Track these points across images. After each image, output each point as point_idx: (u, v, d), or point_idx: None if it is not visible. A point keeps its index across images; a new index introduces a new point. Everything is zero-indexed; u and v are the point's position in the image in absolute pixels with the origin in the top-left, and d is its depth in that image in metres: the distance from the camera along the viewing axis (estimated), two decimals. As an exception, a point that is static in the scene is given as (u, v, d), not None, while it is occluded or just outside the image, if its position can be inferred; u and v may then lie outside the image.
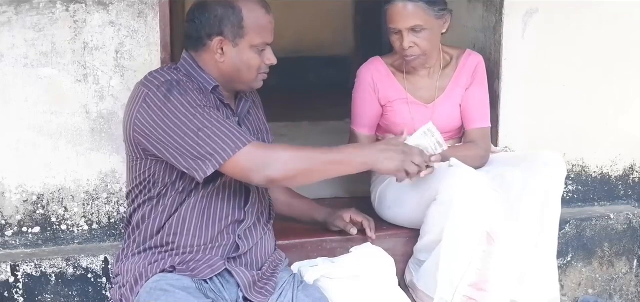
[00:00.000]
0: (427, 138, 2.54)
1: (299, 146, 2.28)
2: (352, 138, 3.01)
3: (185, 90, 2.21)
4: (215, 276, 2.27)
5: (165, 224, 2.28)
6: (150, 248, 2.30)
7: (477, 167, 2.79)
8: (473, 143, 2.92)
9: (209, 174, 2.17)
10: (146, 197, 2.30)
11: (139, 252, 2.31)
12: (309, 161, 2.23)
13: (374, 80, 2.93)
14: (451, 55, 2.98)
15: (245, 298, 2.30)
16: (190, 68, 2.33)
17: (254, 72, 2.33)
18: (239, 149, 2.16)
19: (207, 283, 2.26)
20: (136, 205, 2.33)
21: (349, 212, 2.78)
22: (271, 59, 2.35)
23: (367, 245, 2.67)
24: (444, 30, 2.85)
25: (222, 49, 2.29)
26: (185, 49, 2.38)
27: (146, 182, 2.28)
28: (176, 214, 2.27)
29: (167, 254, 2.28)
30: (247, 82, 2.35)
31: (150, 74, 2.30)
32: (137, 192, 2.32)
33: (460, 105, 2.95)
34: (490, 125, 2.99)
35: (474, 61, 2.97)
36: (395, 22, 2.77)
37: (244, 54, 2.30)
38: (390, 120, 2.95)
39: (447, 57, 2.97)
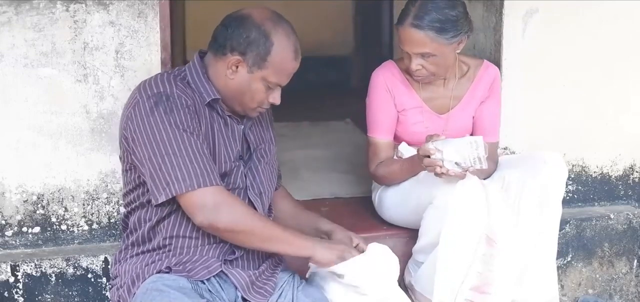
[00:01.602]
0: (470, 148, 2.48)
1: (253, 211, 2.28)
2: (372, 148, 2.91)
3: (171, 107, 2.19)
4: (213, 276, 2.27)
5: (160, 227, 2.27)
6: (148, 250, 2.30)
7: (483, 178, 2.79)
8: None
9: (159, 202, 2.18)
10: (140, 201, 2.29)
11: (137, 254, 2.31)
12: (255, 226, 2.22)
13: (388, 85, 2.87)
14: (468, 65, 2.91)
15: (244, 298, 2.30)
16: (196, 75, 2.30)
17: (255, 102, 2.30)
18: (195, 188, 2.15)
19: (204, 283, 2.25)
20: (131, 208, 2.32)
21: (358, 238, 2.49)
22: (276, 99, 2.33)
23: (374, 244, 2.60)
24: (458, 50, 2.77)
25: (236, 67, 2.26)
26: (199, 51, 2.37)
27: (139, 187, 2.28)
28: (172, 217, 2.26)
29: (164, 255, 2.28)
30: (244, 106, 2.32)
31: (149, 81, 2.27)
32: (132, 196, 2.31)
33: (472, 117, 2.92)
34: (499, 139, 2.98)
35: (491, 74, 2.91)
36: (404, 46, 2.72)
37: (254, 84, 2.27)
38: (403, 129, 2.91)
39: (464, 67, 2.90)
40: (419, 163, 2.61)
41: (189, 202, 2.17)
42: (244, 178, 2.35)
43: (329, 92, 6.27)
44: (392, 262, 2.44)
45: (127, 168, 2.30)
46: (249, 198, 2.35)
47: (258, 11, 2.28)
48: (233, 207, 2.19)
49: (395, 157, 2.92)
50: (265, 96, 2.30)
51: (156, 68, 2.76)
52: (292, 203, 2.67)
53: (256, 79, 2.26)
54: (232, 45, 2.25)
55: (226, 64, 2.26)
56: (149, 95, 2.21)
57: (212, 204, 2.16)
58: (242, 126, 2.38)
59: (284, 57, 2.26)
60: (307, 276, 2.49)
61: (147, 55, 2.77)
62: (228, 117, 2.34)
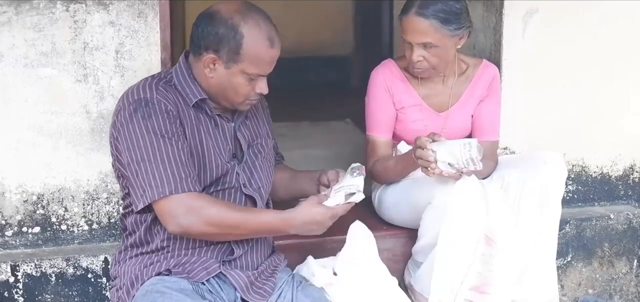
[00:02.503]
0: (463, 150, 2.47)
1: (229, 206, 2.26)
2: (370, 146, 2.92)
3: (149, 113, 2.18)
4: (212, 277, 2.27)
5: (157, 228, 2.27)
6: (147, 252, 2.30)
7: (483, 178, 2.79)
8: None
9: (139, 209, 2.18)
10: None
11: (136, 255, 2.31)
12: (230, 228, 2.23)
13: (388, 83, 2.87)
14: (467, 64, 2.91)
15: (243, 299, 2.30)
16: (181, 76, 2.29)
17: (240, 96, 2.28)
18: (167, 195, 2.14)
19: (204, 284, 2.25)
20: (127, 211, 2.33)
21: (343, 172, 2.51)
22: (263, 89, 2.29)
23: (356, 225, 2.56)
24: (459, 46, 2.78)
25: (213, 64, 2.24)
26: (185, 51, 2.36)
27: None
28: None
29: (163, 256, 2.28)
30: (231, 101, 2.30)
31: (133, 87, 2.26)
32: (127, 200, 2.31)
33: (472, 116, 2.92)
34: (498, 138, 2.98)
35: (490, 73, 2.92)
36: (407, 35, 2.72)
37: (234, 78, 2.24)
38: (403, 127, 2.91)
39: (463, 66, 2.90)
40: (413, 155, 2.61)
41: (160, 210, 2.18)
42: (239, 176, 2.34)
43: (329, 92, 6.26)
44: (369, 236, 2.51)
45: (119, 174, 2.30)
46: (245, 195, 2.35)
47: (226, 5, 2.25)
48: (203, 211, 2.18)
49: (394, 156, 2.93)
50: (249, 88, 2.27)
51: (156, 68, 2.76)
52: (288, 171, 2.68)
53: (235, 74, 2.24)
54: (206, 44, 2.23)
55: (203, 63, 2.25)
56: (130, 102, 2.21)
57: (183, 211, 2.16)
58: (233, 124, 2.36)
59: (258, 47, 2.22)
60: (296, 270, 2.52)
61: (147, 55, 2.77)
62: (217, 117, 2.32)
